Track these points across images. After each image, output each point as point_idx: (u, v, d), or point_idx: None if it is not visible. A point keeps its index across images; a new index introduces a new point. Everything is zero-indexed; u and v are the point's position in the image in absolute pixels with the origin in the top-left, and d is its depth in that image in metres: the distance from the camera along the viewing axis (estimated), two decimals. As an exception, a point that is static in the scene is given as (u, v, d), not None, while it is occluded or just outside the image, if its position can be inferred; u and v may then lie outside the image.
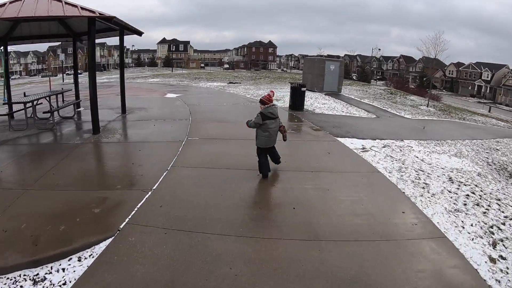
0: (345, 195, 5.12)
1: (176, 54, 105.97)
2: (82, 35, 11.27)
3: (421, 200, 5.05)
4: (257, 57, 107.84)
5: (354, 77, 62.33)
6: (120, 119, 10.39)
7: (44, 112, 9.44)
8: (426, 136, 9.87)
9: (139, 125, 9.46)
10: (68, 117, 10.56)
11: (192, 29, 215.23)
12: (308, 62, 21.68)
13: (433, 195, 5.31)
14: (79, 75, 13.88)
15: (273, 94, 5.77)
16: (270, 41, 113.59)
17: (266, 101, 5.48)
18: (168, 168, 5.93)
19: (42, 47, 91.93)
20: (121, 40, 10.66)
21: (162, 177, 5.51)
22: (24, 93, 13.52)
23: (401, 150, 7.80)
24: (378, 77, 77.96)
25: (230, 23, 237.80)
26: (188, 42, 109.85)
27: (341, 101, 15.82)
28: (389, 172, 6.16)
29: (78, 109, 12.00)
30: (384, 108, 15.28)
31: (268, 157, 5.74)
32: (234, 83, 25.57)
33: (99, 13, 7.63)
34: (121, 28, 9.70)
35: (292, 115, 11.48)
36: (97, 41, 9.72)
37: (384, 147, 7.92)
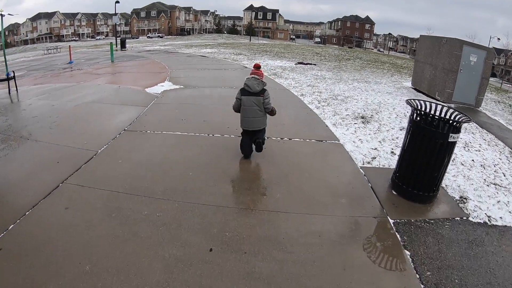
0: None
1: (263, 22, 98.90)
2: None
3: None
4: (351, 33, 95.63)
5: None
6: None
7: None
8: None
9: None
10: None
11: (288, 0, 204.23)
12: (428, 43, 12.11)
13: None
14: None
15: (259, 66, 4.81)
16: (367, 16, 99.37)
17: (252, 71, 4.72)
18: None
19: (129, 8, 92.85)
20: None
21: None
22: None
23: None
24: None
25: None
26: (277, 11, 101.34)
27: (498, 141, 7.00)
28: None
29: None
30: None
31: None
32: (306, 64, 17.34)
33: None
34: None
35: (399, 237, 3.43)
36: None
37: None
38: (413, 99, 4.05)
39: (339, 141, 5.67)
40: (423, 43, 12.22)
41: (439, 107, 4.01)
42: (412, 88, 11.89)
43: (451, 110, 3.94)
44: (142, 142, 5.39)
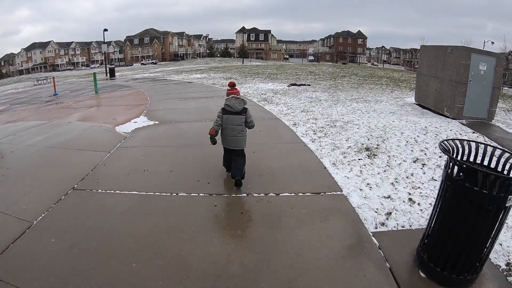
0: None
1: (256, 44, 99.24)
2: None
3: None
4: (344, 49, 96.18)
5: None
6: None
7: None
8: None
9: None
10: None
11: (280, 20, 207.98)
12: (432, 54, 10.81)
13: None
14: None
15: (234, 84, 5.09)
16: (359, 31, 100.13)
17: (228, 91, 4.91)
18: None
19: (122, 36, 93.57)
20: None
21: None
22: None
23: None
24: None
25: (318, 15, 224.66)
26: (269, 31, 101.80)
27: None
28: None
29: None
30: None
31: None
32: (299, 85, 16.35)
33: None
34: None
35: None
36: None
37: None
38: (448, 140, 2.84)
39: (341, 191, 4.43)
40: (426, 54, 11.13)
41: (481, 148, 2.85)
42: (416, 104, 10.83)
43: (498, 151, 2.77)
44: (87, 208, 4.18)
